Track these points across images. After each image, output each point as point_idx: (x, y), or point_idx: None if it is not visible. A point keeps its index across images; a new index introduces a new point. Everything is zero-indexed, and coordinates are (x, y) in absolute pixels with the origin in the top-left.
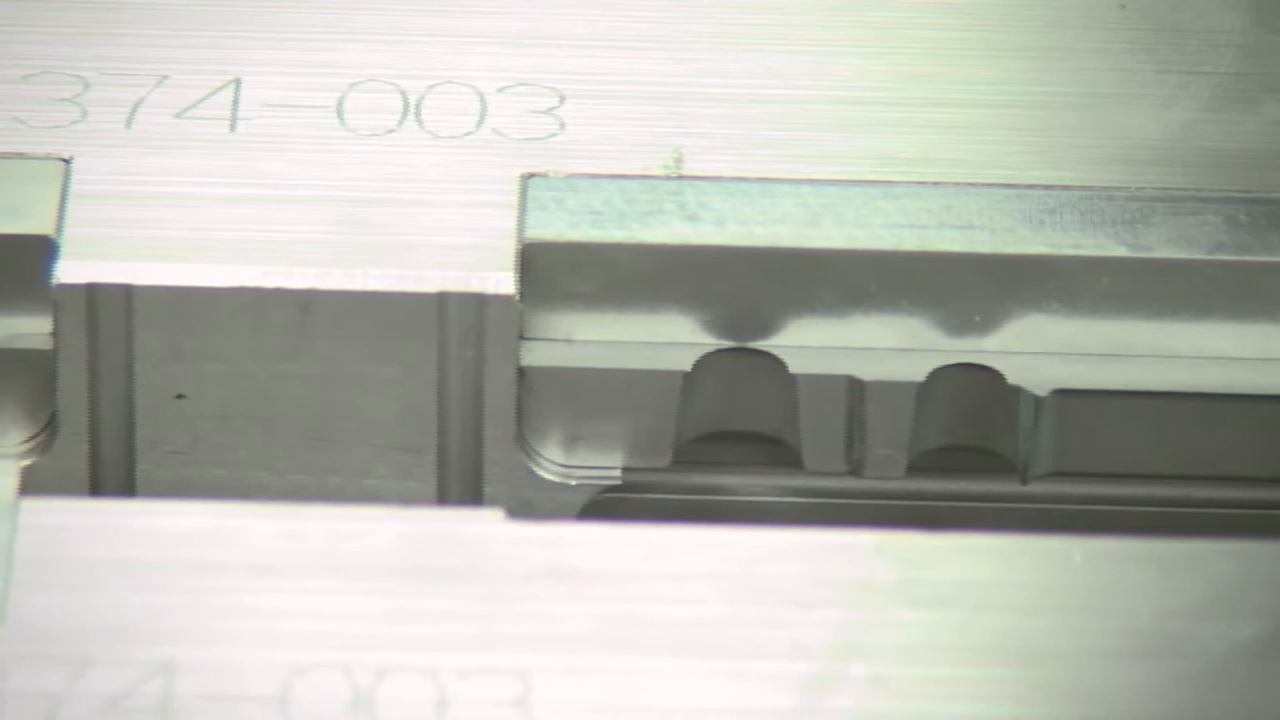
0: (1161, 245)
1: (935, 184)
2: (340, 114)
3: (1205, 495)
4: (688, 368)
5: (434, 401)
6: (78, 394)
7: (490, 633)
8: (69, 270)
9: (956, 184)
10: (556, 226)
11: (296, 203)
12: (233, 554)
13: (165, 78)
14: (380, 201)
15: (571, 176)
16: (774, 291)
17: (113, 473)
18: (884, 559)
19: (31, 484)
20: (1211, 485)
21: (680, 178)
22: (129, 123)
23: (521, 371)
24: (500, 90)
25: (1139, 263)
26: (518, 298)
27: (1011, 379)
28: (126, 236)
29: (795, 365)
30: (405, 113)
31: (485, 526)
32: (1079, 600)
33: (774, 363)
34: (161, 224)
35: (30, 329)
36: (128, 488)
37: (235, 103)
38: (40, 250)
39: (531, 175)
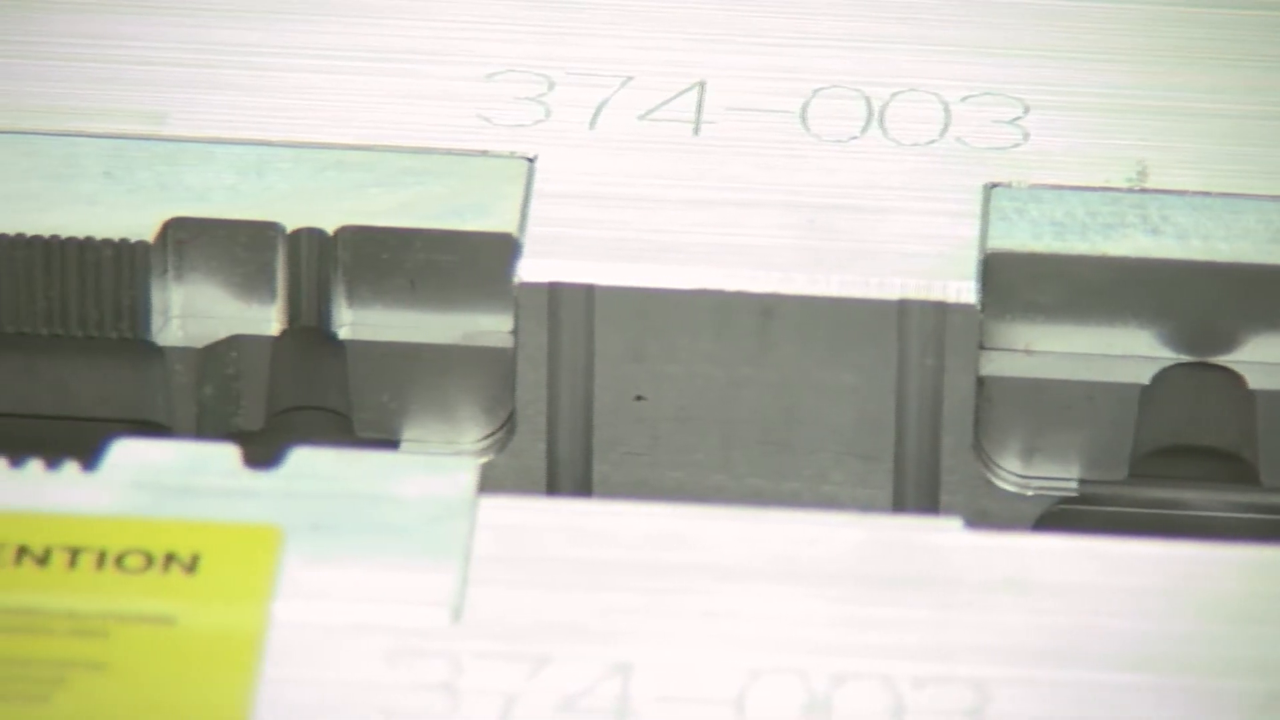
0: None
1: None
2: (804, 119)
3: None
4: (1146, 381)
5: (892, 409)
6: (536, 393)
7: (946, 642)
8: (531, 268)
9: None
10: (1019, 237)
11: (759, 207)
12: (690, 556)
13: (630, 79)
14: (843, 208)
15: (1035, 187)
16: (1235, 307)
17: (569, 472)
18: None
19: (488, 482)
20: None
21: (1143, 191)
22: (593, 123)
23: (980, 381)
24: (964, 99)
25: None
26: (979, 307)
27: None
28: (589, 236)
29: (1255, 381)
30: (869, 119)
31: (942, 535)
32: None
33: (1233, 378)
34: (623, 224)
35: (491, 327)
36: (584, 487)
37: (699, 106)
38: (503, 248)
39: (995, 185)
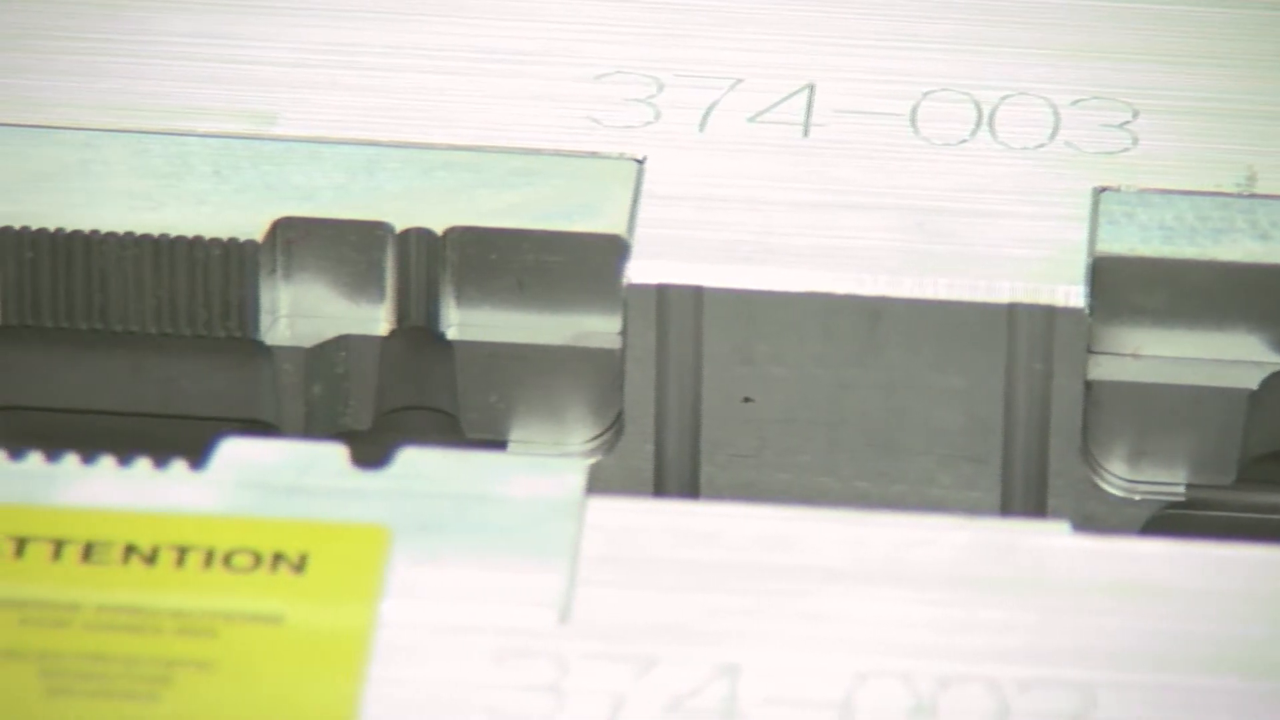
0: None
1: None
2: (913, 122)
3: None
4: (1254, 386)
5: (1000, 412)
6: (644, 394)
7: (1052, 645)
8: (640, 270)
9: None
10: (1128, 241)
11: (868, 209)
12: (797, 558)
13: (739, 81)
14: (952, 211)
15: (1144, 191)
16: None
17: (676, 473)
18: None
19: (596, 483)
20: None
21: (1252, 196)
22: (702, 125)
23: (1088, 385)
24: (1074, 103)
25: None
26: (1087, 311)
27: None
28: (698, 238)
29: None
30: (978, 123)
31: (1049, 539)
32: None
33: None
34: (732, 226)
35: (600, 328)
36: (691, 489)
37: (808, 108)
38: (612, 249)
39: (1104, 189)
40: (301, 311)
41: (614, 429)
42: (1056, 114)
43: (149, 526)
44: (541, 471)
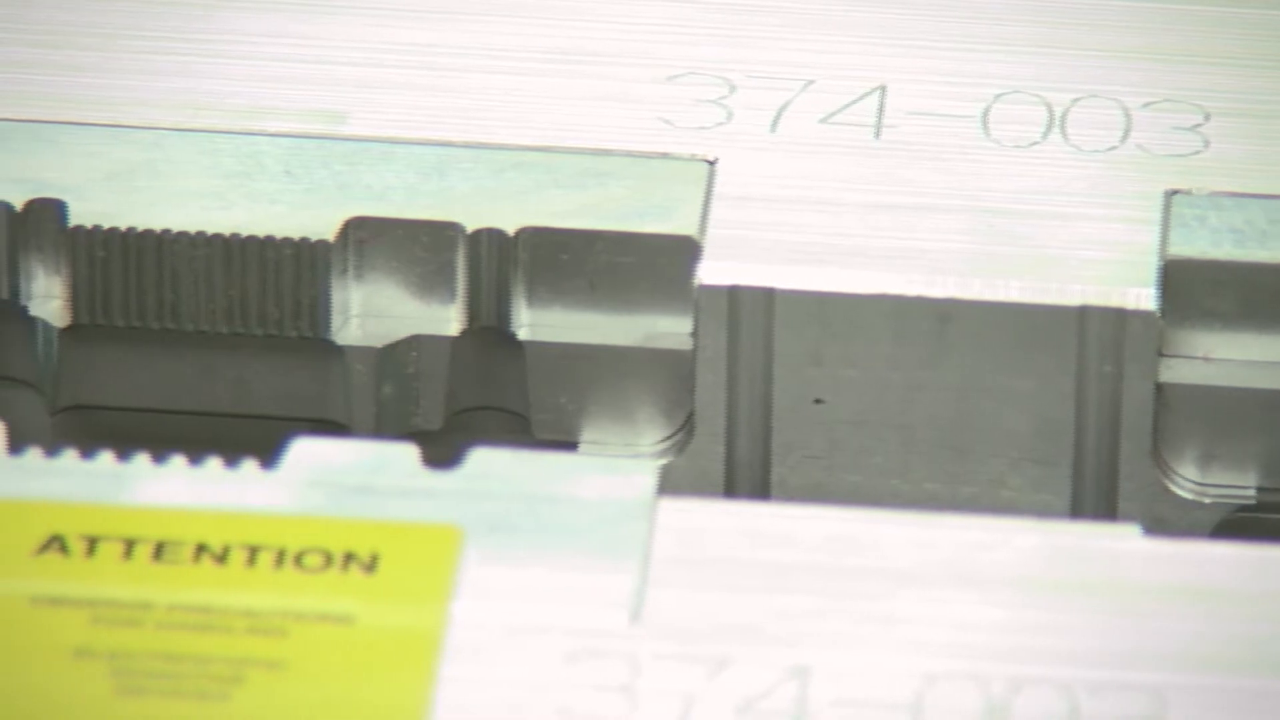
0: None
1: None
2: (985, 124)
3: None
4: None
5: (1071, 415)
6: (715, 395)
7: (1124, 648)
8: (711, 271)
9: None
10: (1199, 244)
11: (939, 211)
12: (868, 560)
13: (811, 82)
14: (1022, 213)
15: (1215, 195)
16: None
17: (747, 475)
18: None
19: (667, 484)
20: None
21: None
22: (774, 126)
23: (1159, 388)
24: (1145, 106)
25: None
26: (1158, 314)
27: None
28: (769, 239)
29: None
30: (1050, 125)
31: (1120, 542)
32: None
33: None
34: (804, 228)
35: (671, 329)
36: (762, 490)
37: (880, 109)
38: (683, 250)
39: (1175, 192)
40: (373, 311)
41: (685, 430)
42: (1128, 116)
43: (220, 526)
44: (613, 472)
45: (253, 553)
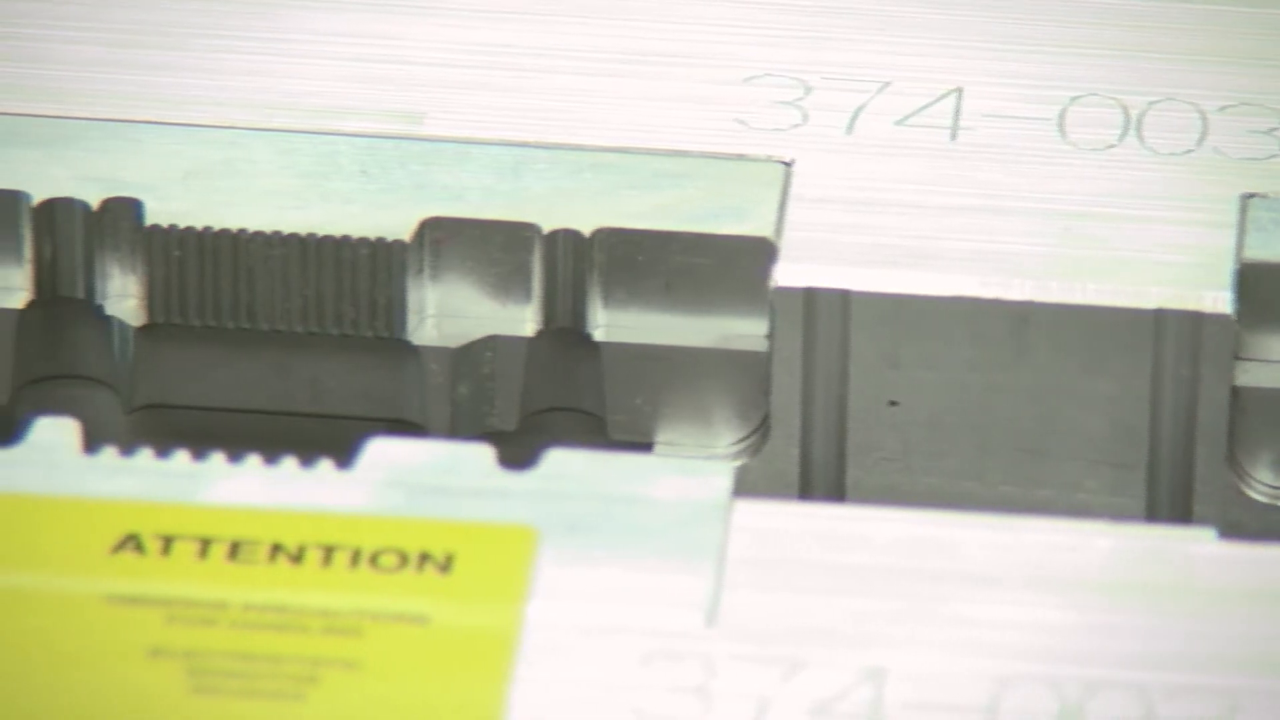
0: None
1: None
2: (1061, 127)
3: None
4: None
5: (1146, 418)
6: (790, 397)
7: (1199, 652)
8: (787, 273)
9: None
10: (1275, 247)
11: (1015, 214)
12: (943, 563)
13: (887, 84)
14: (1099, 216)
15: None
16: None
17: (822, 477)
18: None
19: (741, 485)
20: None
21: None
22: (850, 128)
23: (1235, 391)
24: (1221, 109)
25: None
26: (1234, 317)
27: None
28: (845, 241)
29: None
30: (1126, 128)
31: (1196, 546)
32: None
33: None
34: (880, 230)
35: (746, 330)
36: (837, 492)
37: (956, 112)
38: (759, 252)
39: (1251, 195)
40: (448, 312)
41: (760, 431)
42: (1204, 120)
43: (295, 525)
44: (688, 473)
45: (328, 552)
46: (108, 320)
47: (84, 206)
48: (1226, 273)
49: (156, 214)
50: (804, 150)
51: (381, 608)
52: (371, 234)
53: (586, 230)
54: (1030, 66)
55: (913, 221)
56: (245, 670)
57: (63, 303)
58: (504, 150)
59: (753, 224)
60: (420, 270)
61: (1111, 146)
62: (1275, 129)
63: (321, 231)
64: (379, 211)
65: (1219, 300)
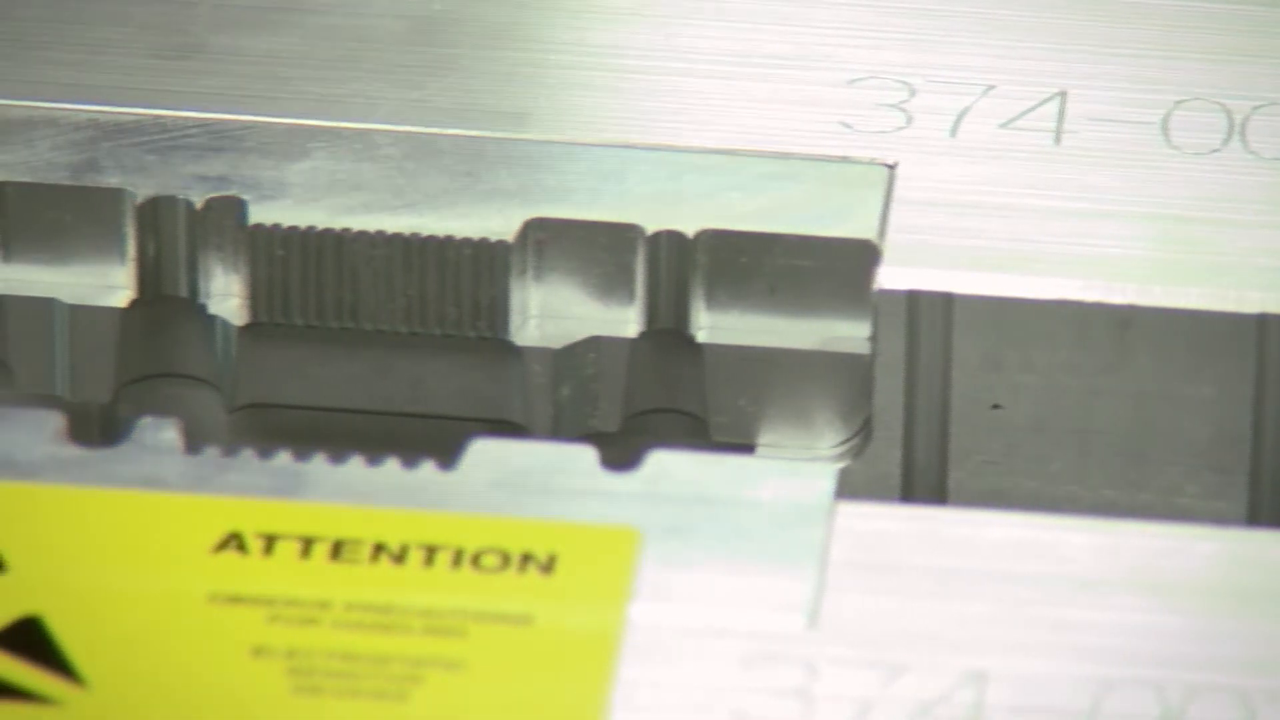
0: None
1: None
2: (1165, 131)
3: None
4: None
5: (1249, 422)
6: (893, 399)
7: None
8: (890, 276)
9: None
10: None
11: (1119, 218)
12: (1045, 566)
13: (991, 87)
14: (1203, 220)
15: None
16: None
17: (925, 479)
18: None
19: (844, 487)
20: None
21: None
22: (954, 131)
23: None
24: None
25: None
26: None
27: None
28: (948, 244)
29: None
30: (1230, 133)
31: None
32: None
33: None
34: (983, 233)
35: (849, 333)
36: (939, 495)
37: (1060, 115)
38: (862, 254)
39: None
40: (551, 312)
41: (862, 434)
42: None
43: (398, 526)
44: (791, 475)
45: (430, 552)
46: (210, 319)
47: (188, 205)
48: None
49: (260, 214)
50: (908, 153)
51: (484, 608)
52: (475, 234)
53: (690, 232)
54: (1134, 70)
55: (1016, 225)
56: (347, 670)
57: (166, 301)
58: (608, 151)
59: (856, 226)
60: (524, 271)
61: (1215, 151)
62: None
63: (425, 232)
64: (483, 212)
65: None
